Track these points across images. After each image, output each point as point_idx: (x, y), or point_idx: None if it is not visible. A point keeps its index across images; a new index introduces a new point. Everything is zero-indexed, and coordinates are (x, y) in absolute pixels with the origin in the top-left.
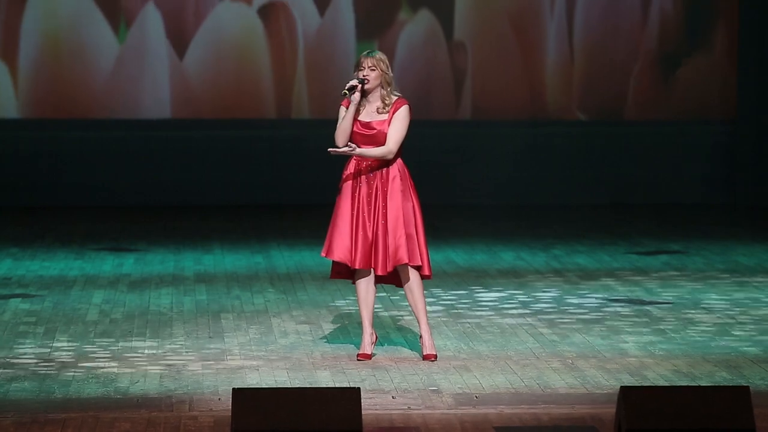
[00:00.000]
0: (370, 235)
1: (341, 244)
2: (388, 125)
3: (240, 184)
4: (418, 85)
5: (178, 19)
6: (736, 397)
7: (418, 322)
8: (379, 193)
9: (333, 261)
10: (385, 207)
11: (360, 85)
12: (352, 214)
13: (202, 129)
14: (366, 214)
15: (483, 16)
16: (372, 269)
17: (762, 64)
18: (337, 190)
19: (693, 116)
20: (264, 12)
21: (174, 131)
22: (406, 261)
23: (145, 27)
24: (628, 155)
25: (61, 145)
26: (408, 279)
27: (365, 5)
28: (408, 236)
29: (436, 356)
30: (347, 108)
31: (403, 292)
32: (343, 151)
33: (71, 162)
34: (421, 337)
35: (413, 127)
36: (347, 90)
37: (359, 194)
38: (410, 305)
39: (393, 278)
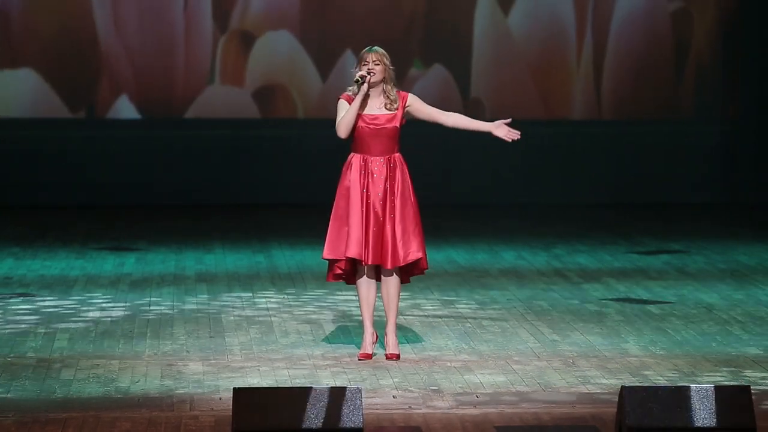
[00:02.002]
0: (380, 231)
1: (356, 241)
2: (399, 120)
3: (241, 184)
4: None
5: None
6: (737, 396)
7: (387, 319)
8: (388, 188)
9: (330, 262)
10: (393, 202)
11: (368, 77)
12: (362, 211)
13: (204, 128)
14: (379, 211)
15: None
16: (374, 268)
17: (762, 64)
18: (339, 188)
19: (693, 116)
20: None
21: (175, 130)
22: (420, 256)
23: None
24: (628, 155)
25: (63, 145)
26: (391, 274)
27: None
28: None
29: (398, 356)
30: (348, 101)
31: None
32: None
33: (72, 161)
34: (386, 335)
35: (414, 126)
36: (359, 77)
37: (369, 191)
38: (383, 300)
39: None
